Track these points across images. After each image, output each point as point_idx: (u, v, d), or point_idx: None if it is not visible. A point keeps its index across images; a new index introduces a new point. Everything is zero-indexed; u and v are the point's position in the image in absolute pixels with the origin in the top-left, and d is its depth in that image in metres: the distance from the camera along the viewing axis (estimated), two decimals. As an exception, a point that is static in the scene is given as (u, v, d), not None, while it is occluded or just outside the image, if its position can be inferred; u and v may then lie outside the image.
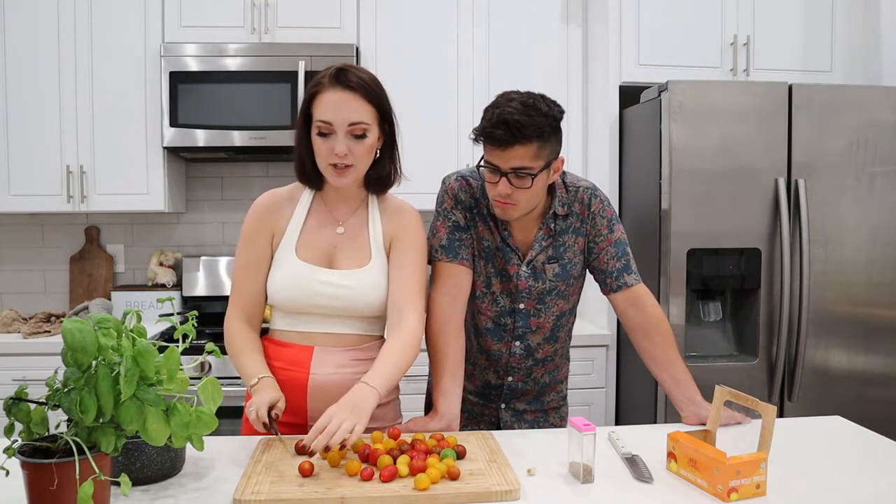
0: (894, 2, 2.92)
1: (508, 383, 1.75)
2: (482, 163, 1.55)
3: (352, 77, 1.46)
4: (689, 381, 1.62)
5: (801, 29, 2.95)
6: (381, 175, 1.57)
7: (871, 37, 2.98)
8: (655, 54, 2.85)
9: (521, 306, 1.68)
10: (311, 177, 1.56)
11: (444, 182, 1.72)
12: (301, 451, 1.32)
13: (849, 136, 2.56)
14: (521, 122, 1.45)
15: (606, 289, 1.70)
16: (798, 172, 2.54)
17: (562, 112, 1.53)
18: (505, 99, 1.50)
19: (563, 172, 1.69)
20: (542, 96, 1.52)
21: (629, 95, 2.85)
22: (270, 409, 1.40)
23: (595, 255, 1.69)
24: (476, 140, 1.53)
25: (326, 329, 1.55)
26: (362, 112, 1.46)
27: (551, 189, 1.65)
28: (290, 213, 1.58)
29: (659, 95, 2.57)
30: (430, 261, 1.68)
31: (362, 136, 1.47)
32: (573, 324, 1.81)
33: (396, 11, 3.00)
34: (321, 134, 1.47)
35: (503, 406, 1.78)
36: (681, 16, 2.87)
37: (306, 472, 1.22)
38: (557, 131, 1.53)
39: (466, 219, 1.67)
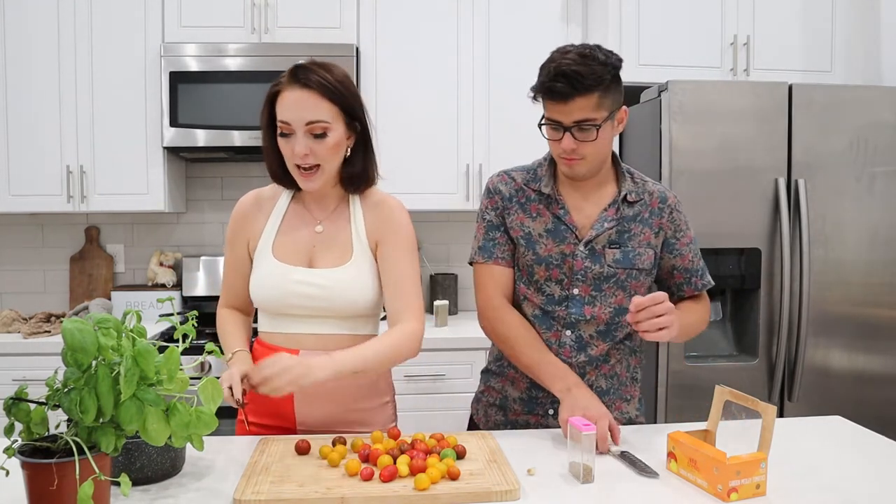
0: (894, 2, 2.92)
1: None
2: (543, 121, 1.51)
3: (311, 76, 1.43)
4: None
5: (801, 29, 2.95)
6: (353, 174, 1.54)
7: (871, 37, 2.98)
8: (655, 54, 2.85)
9: (576, 291, 1.58)
10: (284, 179, 1.55)
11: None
12: (300, 450, 1.34)
13: (849, 136, 2.56)
14: (580, 73, 1.42)
15: (691, 288, 1.65)
16: (798, 172, 2.54)
17: (620, 60, 1.50)
18: (560, 53, 1.47)
19: (630, 169, 1.65)
20: (598, 46, 1.49)
21: (629, 95, 2.83)
22: (242, 380, 1.39)
23: (678, 253, 1.63)
24: (535, 98, 1.51)
25: (311, 330, 1.53)
26: (320, 110, 1.43)
27: (619, 174, 1.62)
28: (269, 213, 1.57)
29: (659, 95, 2.57)
30: (470, 262, 1.67)
31: (322, 136, 1.44)
32: (640, 338, 1.64)
33: (396, 11, 3.00)
34: (283, 135, 1.45)
35: (551, 413, 1.62)
36: (681, 16, 2.87)
37: (303, 450, 1.32)
38: (618, 80, 1.50)
39: (503, 209, 1.63)
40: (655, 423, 2.56)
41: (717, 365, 2.56)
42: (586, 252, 1.57)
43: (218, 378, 1.18)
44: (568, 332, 1.59)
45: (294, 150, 1.44)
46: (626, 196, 1.59)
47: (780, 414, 2.56)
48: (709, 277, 1.67)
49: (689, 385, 2.53)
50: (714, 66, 2.89)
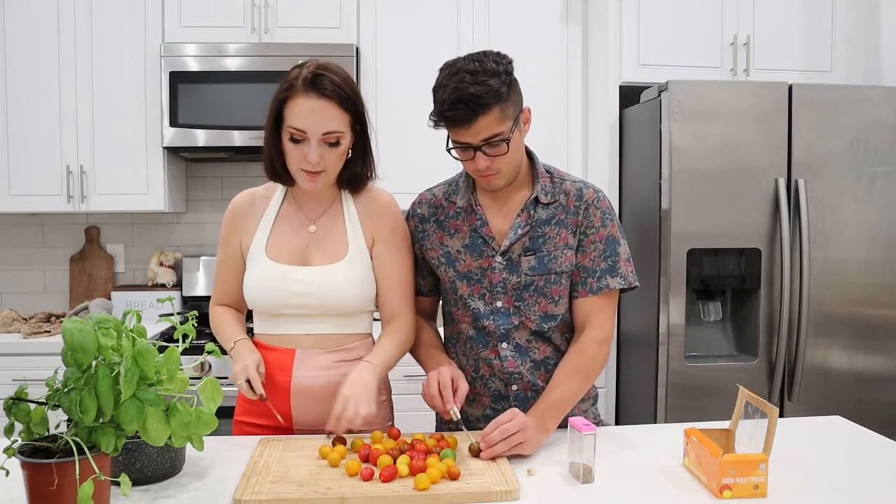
0: (894, 2, 2.92)
1: (514, 393, 1.57)
2: (450, 145, 1.45)
3: (326, 84, 1.42)
4: (550, 406, 1.45)
5: (801, 29, 2.95)
6: (353, 175, 1.55)
7: (871, 37, 2.98)
8: (655, 54, 2.85)
9: (499, 304, 1.53)
10: (282, 177, 1.54)
11: None
12: (334, 439, 1.38)
13: (849, 136, 2.56)
14: (478, 94, 1.35)
15: (585, 289, 1.51)
16: (798, 172, 2.54)
17: (510, 62, 1.43)
18: (450, 75, 1.39)
19: (551, 168, 1.59)
20: (485, 54, 1.42)
21: (629, 95, 2.85)
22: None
23: (582, 250, 1.51)
24: (436, 125, 1.44)
25: (307, 330, 1.53)
26: (337, 120, 1.44)
27: (534, 176, 1.55)
28: (262, 213, 1.57)
29: (659, 95, 2.57)
30: None
31: (336, 144, 1.45)
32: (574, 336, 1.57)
33: (396, 11, 3.00)
34: (293, 140, 1.44)
35: None
36: (681, 16, 2.87)
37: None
38: (513, 84, 1.42)
39: (418, 233, 1.62)
40: (655, 422, 2.56)
41: (717, 365, 2.56)
42: (504, 263, 1.52)
43: (218, 379, 1.18)
44: (504, 345, 1.55)
45: (307, 158, 1.43)
46: (537, 198, 1.51)
47: (781, 414, 2.56)
48: (610, 281, 1.50)
49: (689, 385, 2.53)
50: (714, 66, 2.89)
